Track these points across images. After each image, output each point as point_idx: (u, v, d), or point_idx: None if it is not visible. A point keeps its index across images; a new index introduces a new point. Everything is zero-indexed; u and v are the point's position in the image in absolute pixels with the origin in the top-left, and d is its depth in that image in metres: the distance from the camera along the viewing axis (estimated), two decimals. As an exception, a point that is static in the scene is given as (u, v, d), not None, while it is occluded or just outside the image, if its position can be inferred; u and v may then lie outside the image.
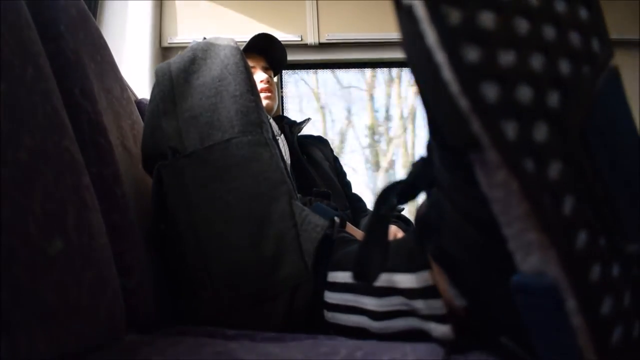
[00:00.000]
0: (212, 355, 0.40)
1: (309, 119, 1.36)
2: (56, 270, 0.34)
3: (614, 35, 0.31)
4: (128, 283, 0.50)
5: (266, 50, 1.29)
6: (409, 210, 1.76)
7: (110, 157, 0.54)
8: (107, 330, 0.39)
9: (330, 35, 1.89)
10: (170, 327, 0.56)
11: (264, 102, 1.23)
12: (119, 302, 0.42)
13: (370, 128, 3.26)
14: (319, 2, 1.92)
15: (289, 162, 1.16)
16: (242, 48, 1.20)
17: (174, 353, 0.40)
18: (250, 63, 1.25)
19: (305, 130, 1.37)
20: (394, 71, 3.10)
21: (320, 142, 1.37)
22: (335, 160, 1.36)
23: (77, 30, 0.57)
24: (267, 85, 1.25)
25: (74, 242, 0.37)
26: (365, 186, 3.10)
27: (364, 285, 0.48)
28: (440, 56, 0.24)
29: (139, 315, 0.52)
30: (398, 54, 1.91)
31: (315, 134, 1.44)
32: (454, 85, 0.24)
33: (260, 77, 1.25)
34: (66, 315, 0.34)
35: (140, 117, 0.87)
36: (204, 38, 0.72)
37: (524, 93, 0.25)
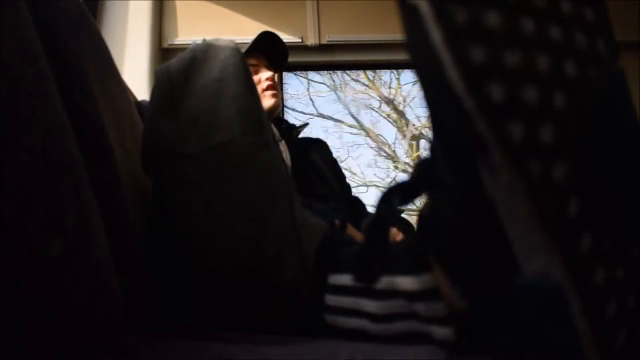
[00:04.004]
0: (212, 357, 0.39)
1: (307, 123, 1.35)
2: (55, 270, 0.33)
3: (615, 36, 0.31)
4: (127, 283, 0.50)
5: (268, 49, 1.29)
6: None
7: (110, 157, 0.54)
8: (106, 330, 0.39)
9: (331, 36, 1.89)
10: (170, 328, 0.56)
11: (271, 101, 1.22)
12: (118, 302, 0.42)
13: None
14: (320, 3, 1.91)
15: (290, 165, 1.15)
16: (245, 49, 1.20)
17: (173, 355, 0.40)
18: (253, 62, 1.25)
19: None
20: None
21: (319, 145, 1.36)
22: (334, 162, 1.35)
23: (77, 30, 0.57)
24: (272, 83, 1.24)
25: (73, 242, 0.36)
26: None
27: (364, 288, 0.48)
28: (445, 56, 0.24)
29: (138, 315, 0.51)
30: (400, 56, 1.91)
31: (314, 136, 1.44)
32: (459, 85, 0.24)
33: (265, 75, 1.24)
34: (65, 315, 0.34)
35: (140, 118, 0.87)
36: (204, 39, 0.71)
37: (530, 93, 0.25)
